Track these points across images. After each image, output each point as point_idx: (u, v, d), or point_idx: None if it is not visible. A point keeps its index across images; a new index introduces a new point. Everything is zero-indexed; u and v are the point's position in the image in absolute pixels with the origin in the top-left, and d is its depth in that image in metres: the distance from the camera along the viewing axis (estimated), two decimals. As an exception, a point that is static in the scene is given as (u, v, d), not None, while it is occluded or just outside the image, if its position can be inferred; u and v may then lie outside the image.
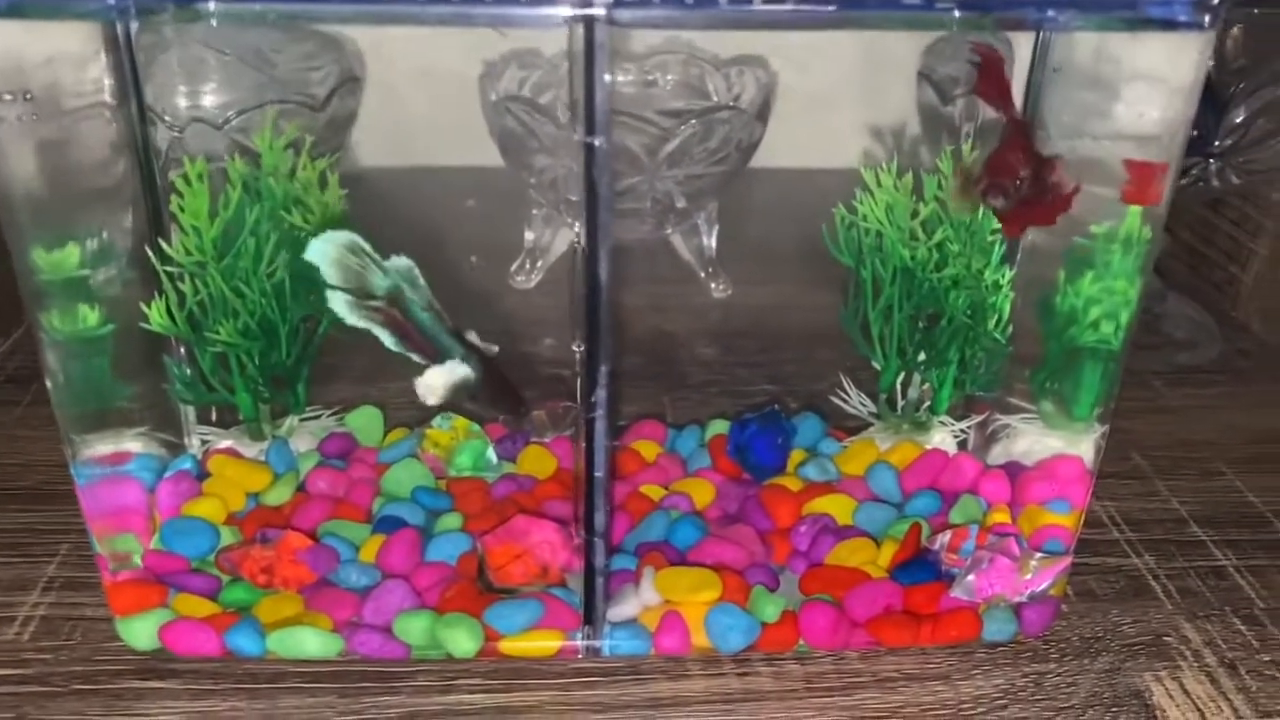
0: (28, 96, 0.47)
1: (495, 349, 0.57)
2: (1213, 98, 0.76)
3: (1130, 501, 0.70)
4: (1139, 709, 0.54)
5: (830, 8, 0.41)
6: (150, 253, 0.56)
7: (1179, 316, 0.89)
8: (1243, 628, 0.60)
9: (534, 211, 0.95)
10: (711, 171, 0.88)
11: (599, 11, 0.40)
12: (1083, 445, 0.60)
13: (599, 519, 0.50)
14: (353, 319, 0.52)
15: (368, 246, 0.52)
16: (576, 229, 0.96)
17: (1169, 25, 0.43)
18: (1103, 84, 0.55)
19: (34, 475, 0.69)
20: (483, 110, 0.87)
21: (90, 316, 0.53)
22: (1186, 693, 0.55)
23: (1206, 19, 0.42)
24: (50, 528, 0.64)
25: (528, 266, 0.94)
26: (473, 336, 0.56)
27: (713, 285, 0.96)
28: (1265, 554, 0.65)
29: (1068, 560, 0.56)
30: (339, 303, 0.51)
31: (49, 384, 0.52)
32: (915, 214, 0.60)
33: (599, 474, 0.49)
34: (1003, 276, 0.60)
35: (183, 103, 0.81)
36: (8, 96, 0.46)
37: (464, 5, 0.41)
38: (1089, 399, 0.60)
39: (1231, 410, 0.80)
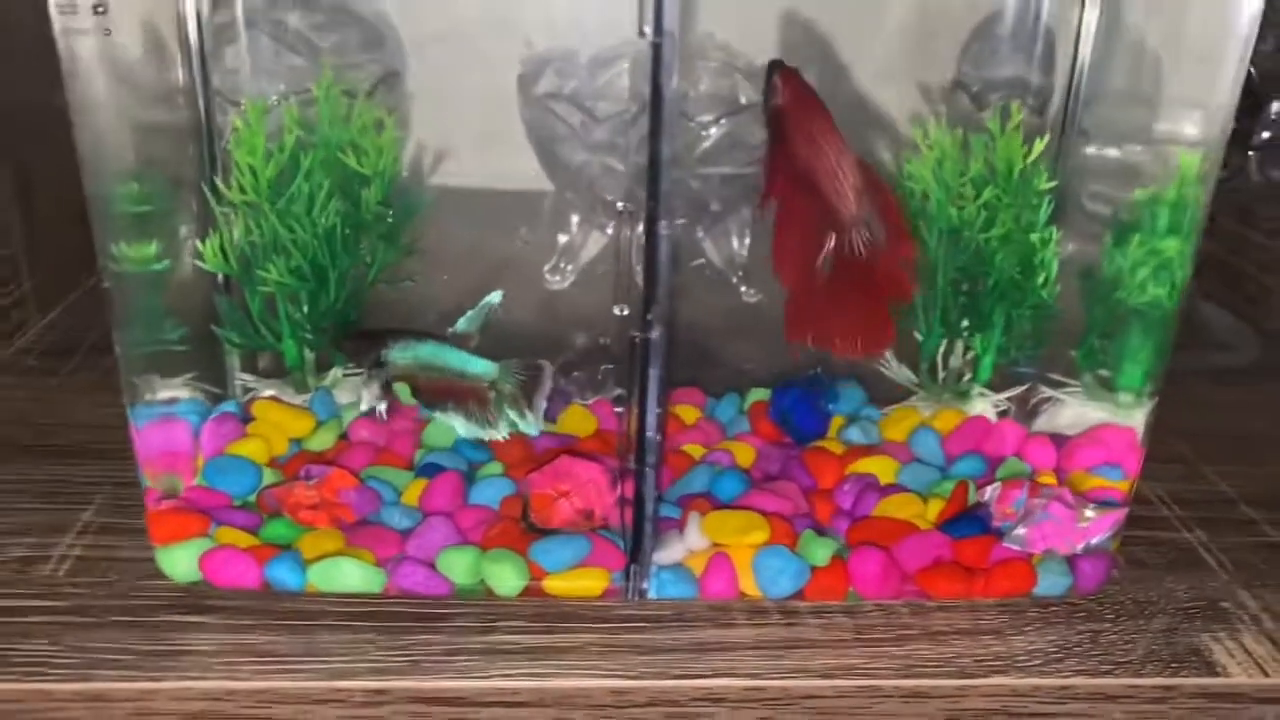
0: (100, 9, 0.47)
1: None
2: (1251, 93, 0.76)
3: (1176, 483, 0.69)
4: (1199, 665, 0.53)
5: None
6: (206, 191, 0.57)
7: (1215, 320, 0.89)
8: (1300, 597, 0.59)
9: (570, 215, 0.95)
10: (744, 173, 0.89)
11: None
12: (1135, 416, 0.60)
13: (651, 443, 0.50)
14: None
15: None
16: (609, 230, 0.96)
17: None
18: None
19: (71, 434, 0.69)
20: (520, 111, 0.89)
21: (149, 250, 0.54)
22: (1248, 652, 0.54)
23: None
24: (85, 480, 0.64)
25: (562, 265, 0.95)
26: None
27: (743, 290, 0.96)
28: (1319, 532, 0.64)
29: (1123, 511, 0.55)
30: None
31: (112, 320, 0.52)
32: (962, 173, 0.60)
33: (653, 403, 0.49)
34: (1050, 234, 0.60)
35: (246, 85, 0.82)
36: (89, 7, 0.47)
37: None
38: (1139, 367, 0.59)
39: (1274, 405, 0.79)
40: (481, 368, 0.56)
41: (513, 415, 0.56)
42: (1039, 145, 0.60)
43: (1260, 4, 0.49)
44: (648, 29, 0.44)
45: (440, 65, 0.91)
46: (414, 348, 0.56)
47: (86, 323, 0.84)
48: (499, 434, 0.56)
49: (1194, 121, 0.56)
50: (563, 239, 0.96)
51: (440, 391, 0.57)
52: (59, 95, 0.55)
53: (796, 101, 0.55)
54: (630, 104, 0.92)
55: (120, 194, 0.51)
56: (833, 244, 0.55)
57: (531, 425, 0.56)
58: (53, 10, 0.45)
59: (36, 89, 0.80)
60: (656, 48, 0.43)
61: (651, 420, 0.49)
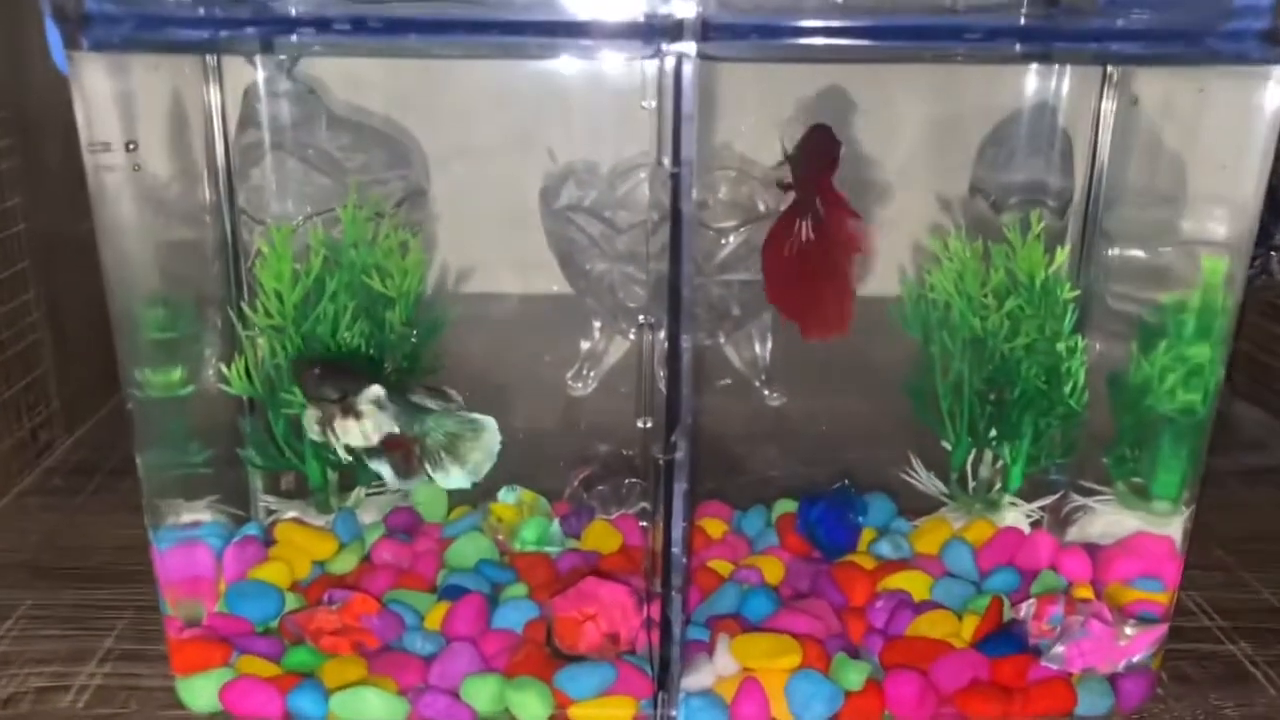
0: (132, 147, 0.49)
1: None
2: (1271, 192, 0.76)
3: (1217, 591, 0.67)
4: (1252, 791, 0.51)
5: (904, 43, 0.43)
6: (232, 315, 0.57)
7: (1246, 419, 0.88)
8: (1355, 713, 0.56)
9: (592, 322, 0.96)
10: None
11: (689, 47, 0.42)
12: (1171, 524, 0.58)
13: (677, 564, 0.49)
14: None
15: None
16: (631, 335, 0.96)
17: (1236, 59, 0.44)
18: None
19: (95, 556, 0.68)
20: (543, 222, 0.90)
21: (174, 376, 0.54)
22: (1302, 776, 0.52)
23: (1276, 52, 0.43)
24: (108, 604, 0.63)
25: (584, 372, 0.95)
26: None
27: (766, 393, 0.96)
28: (1369, 642, 0.62)
29: (1164, 627, 0.54)
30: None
31: (135, 445, 0.52)
32: (984, 283, 0.60)
33: (679, 522, 0.48)
34: (1076, 343, 0.59)
35: (272, 205, 0.83)
36: (115, 145, 0.48)
37: (564, 39, 0.43)
38: (1174, 475, 0.58)
39: (1312, 507, 0.78)
40: (415, 422, 0.55)
41: (430, 470, 0.55)
42: (1061, 255, 0.60)
43: (1274, 135, 0.49)
44: (666, 160, 0.44)
45: (464, 181, 0.93)
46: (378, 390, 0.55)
47: (111, 442, 0.84)
48: (412, 485, 0.57)
49: (1218, 222, 0.56)
50: (585, 345, 0.97)
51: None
52: (86, 221, 0.56)
53: (808, 138, 0.59)
54: (650, 213, 0.93)
55: (146, 319, 0.52)
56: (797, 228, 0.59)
57: (461, 480, 0.55)
58: (85, 150, 0.46)
59: (65, 215, 0.82)
60: (675, 177, 0.44)
61: (678, 540, 0.49)
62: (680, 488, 0.48)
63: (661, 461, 0.48)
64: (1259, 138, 0.48)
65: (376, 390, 0.54)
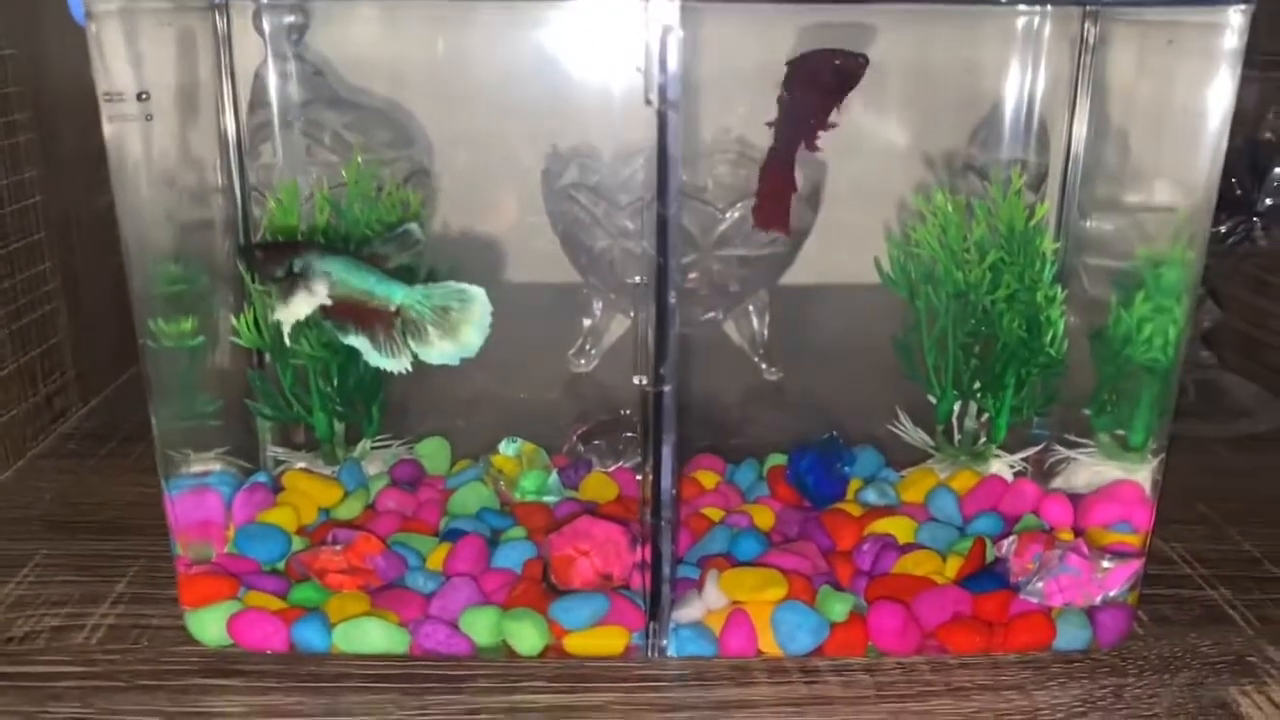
0: (144, 97, 0.51)
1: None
2: (1254, 157, 0.78)
3: (1200, 544, 0.68)
4: (1226, 718, 0.52)
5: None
6: (240, 265, 0.60)
7: (1236, 388, 0.89)
8: (1329, 651, 0.58)
9: (594, 300, 0.98)
10: (763, 254, 0.91)
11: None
12: (1141, 472, 0.60)
13: (667, 497, 0.51)
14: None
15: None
16: (631, 314, 0.98)
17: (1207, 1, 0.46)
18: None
19: (107, 511, 0.70)
20: (545, 202, 0.92)
21: (186, 326, 0.56)
22: (1276, 705, 0.53)
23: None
24: (119, 554, 0.65)
25: (586, 348, 0.97)
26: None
27: (764, 368, 0.98)
28: (1346, 590, 0.64)
29: (1139, 562, 0.55)
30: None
31: (149, 395, 0.54)
32: (966, 237, 0.62)
33: (668, 457, 0.50)
34: (1055, 293, 0.61)
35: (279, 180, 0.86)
36: (129, 96, 0.50)
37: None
38: (1143, 422, 0.60)
39: (1296, 469, 0.79)
40: (387, 290, 0.52)
41: (414, 345, 0.53)
42: (1041, 209, 0.61)
43: (1235, 82, 0.51)
44: (653, 96, 0.46)
45: (466, 163, 0.95)
46: (328, 260, 0.52)
47: (124, 411, 0.86)
48: (400, 365, 0.53)
49: (1180, 193, 0.57)
50: (587, 322, 0.99)
51: (347, 312, 0.53)
52: (103, 195, 0.58)
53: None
54: (646, 194, 0.95)
55: (158, 273, 0.54)
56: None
57: (450, 355, 0.52)
58: (101, 100, 0.49)
59: (82, 189, 0.84)
60: (662, 115, 0.46)
61: (666, 474, 0.51)
62: (669, 425, 0.50)
63: (651, 393, 0.50)
64: (1223, 88, 0.50)
65: (306, 254, 0.51)
